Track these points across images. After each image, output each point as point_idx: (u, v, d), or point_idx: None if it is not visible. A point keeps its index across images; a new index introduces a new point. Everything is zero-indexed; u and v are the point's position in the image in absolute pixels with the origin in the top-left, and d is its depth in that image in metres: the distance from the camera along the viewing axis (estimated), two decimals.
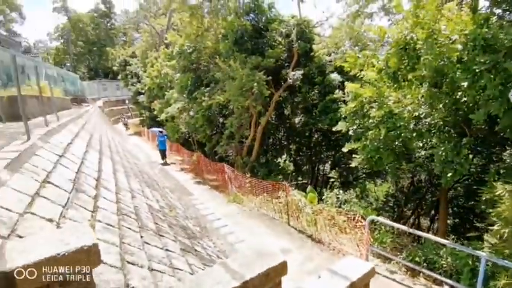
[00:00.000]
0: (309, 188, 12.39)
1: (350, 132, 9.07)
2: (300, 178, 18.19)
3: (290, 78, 14.73)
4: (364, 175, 18.99)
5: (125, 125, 35.03)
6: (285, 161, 12.78)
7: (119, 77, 37.51)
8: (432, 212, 13.89)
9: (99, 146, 6.94)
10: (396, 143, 7.82)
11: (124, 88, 39.39)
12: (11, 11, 49.93)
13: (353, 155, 8.86)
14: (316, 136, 17.89)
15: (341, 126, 9.35)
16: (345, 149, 9.03)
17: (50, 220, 2.67)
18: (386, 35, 6.16)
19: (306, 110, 16.46)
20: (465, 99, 5.15)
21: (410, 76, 5.82)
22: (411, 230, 5.68)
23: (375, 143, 8.14)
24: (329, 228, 7.78)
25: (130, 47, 42.60)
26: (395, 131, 7.87)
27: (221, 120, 17.72)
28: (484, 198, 6.72)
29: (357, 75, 8.42)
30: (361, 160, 8.43)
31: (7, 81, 8.92)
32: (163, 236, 4.36)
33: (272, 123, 18.27)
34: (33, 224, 2.45)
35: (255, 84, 13.22)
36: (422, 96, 6.37)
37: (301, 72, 14.57)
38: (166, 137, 19.62)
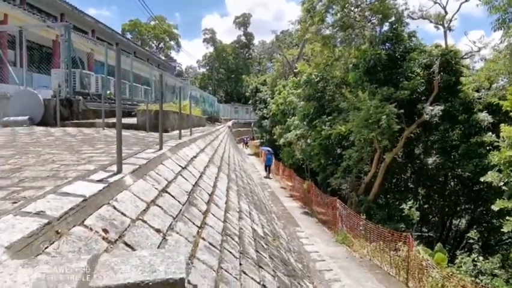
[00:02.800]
0: (438, 245, 10.29)
1: (504, 187, 7.08)
2: (425, 230, 15.53)
3: (427, 114, 12.90)
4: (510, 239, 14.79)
5: (246, 144, 37.79)
6: (410, 207, 10.97)
7: (250, 102, 40.96)
8: None
9: (219, 163, 7.30)
10: None
11: (252, 112, 42.76)
12: (170, 40, 61.31)
13: (507, 217, 6.82)
14: (453, 183, 15.03)
15: (491, 177, 7.41)
16: (495, 207, 7.07)
17: (158, 231, 2.67)
18: None
19: (444, 151, 14.05)
20: None
21: None
22: None
23: None
24: None
25: (262, 76, 46.26)
26: None
27: (339, 151, 16.85)
28: None
29: None
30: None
31: (162, 98, 10.63)
32: (262, 267, 4.04)
33: (398, 162, 16.31)
34: (141, 231, 2.47)
35: (384, 116, 12.05)
36: None
37: (441, 107, 12.59)
38: (272, 155, 22.70)
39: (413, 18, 14.64)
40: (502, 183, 7.29)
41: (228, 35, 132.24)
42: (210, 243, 3.36)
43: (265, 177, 21.15)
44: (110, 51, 10.89)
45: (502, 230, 7.71)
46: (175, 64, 47.50)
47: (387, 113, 12.15)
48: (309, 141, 18.25)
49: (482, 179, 7.95)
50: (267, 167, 22.08)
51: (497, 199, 7.17)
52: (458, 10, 14.30)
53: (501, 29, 8.73)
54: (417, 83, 13.70)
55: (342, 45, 17.04)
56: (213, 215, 4.11)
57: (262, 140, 37.02)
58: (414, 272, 7.46)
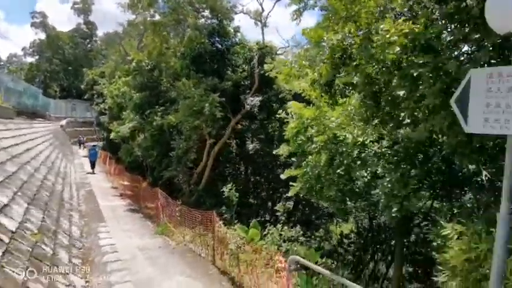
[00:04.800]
0: (253, 222, 10.98)
1: (293, 158, 7.99)
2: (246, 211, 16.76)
3: (248, 104, 13.86)
4: (326, 215, 17.88)
5: (81, 144, 33.34)
6: (230, 190, 11.40)
7: (86, 96, 35.90)
8: (389, 258, 12.69)
9: None
10: (338, 171, 6.73)
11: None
12: None
13: (290, 183, 7.70)
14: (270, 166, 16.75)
15: (282, 150, 8.27)
16: (283, 176, 7.88)
17: None
18: (321, 39, 5.28)
19: (266, 139, 15.45)
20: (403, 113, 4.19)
21: (341, 85, 4.88)
22: (334, 277, 4.39)
23: (316, 170, 7.04)
24: (250, 269, 6.34)
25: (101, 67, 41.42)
26: (338, 157, 6.85)
27: (172, 143, 16.37)
28: (435, 244, 5.63)
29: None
30: (299, 189, 7.26)
31: None
32: None
33: (231, 151, 17.10)
34: None
35: (207, 105, 12.18)
36: (353, 108, 5.43)
37: (259, 98, 13.76)
38: (96, 149, 23.39)
39: (235, 13, 15.60)
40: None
41: (67, 24, 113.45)
42: None
43: (91, 173, 20.66)
44: None
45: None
46: None
47: (211, 101, 12.35)
48: (145, 134, 17.06)
49: (274, 152, 8.85)
50: (92, 162, 21.69)
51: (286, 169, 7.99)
52: (273, 8, 16.12)
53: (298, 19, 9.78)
54: (241, 76, 14.58)
55: (174, 34, 16.67)
56: None
57: (103, 139, 33.01)
58: (220, 249, 7.52)
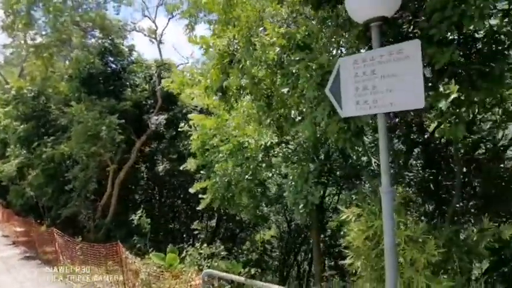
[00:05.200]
0: (169, 247, 10.30)
1: (202, 172, 7.76)
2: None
3: (152, 124, 13.18)
4: (250, 227, 17.85)
5: None
6: (140, 217, 10.52)
7: None
8: (310, 255, 13.27)
9: None
10: (246, 176, 6.76)
11: None
12: None
13: (200, 196, 7.46)
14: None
15: (190, 164, 7.98)
16: (192, 190, 7.59)
17: None
18: (209, 46, 5.30)
19: (179, 158, 14.84)
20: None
21: (233, 89, 4.94)
22: (248, 281, 4.28)
23: (225, 179, 6.94)
24: None
25: None
26: (244, 162, 6.88)
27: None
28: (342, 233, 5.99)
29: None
30: (209, 201, 7.05)
31: None
32: None
33: (142, 176, 15.96)
34: None
35: (104, 128, 11.13)
36: (245, 110, 5.58)
37: (164, 116, 13.22)
38: None
39: (127, 31, 14.90)
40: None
41: None
42: None
43: None
44: None
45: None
46: None
47: (108, 124, 11.35)
48: (36, 170, 14.71)
49: (181, 168, 8.54)
50: None
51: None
52: (167, 25, 15.91)
53: (190, 33, 9.76)
54: (142, 95, 13.85)
55: (60, 56, 15.03)
56: None
57: None
58: (129, 281, 6.76)
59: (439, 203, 7.34)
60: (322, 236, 12.09)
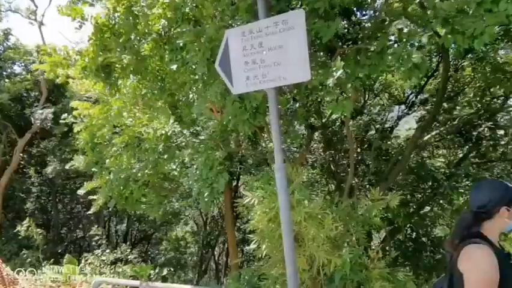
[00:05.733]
0: (66, 257, 8.98)
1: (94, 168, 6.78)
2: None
3: (36, 119, 11.22)
4: (164, 225, 16.89)
5: None
6: (28, 227, 8.90)
7: None
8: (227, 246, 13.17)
9: None
10: (146, 171, 6.11)
11: None
12: None
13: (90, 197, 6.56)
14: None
15: (77, 161, 6.92)
16: (81, 191, 6.62)
17: None
18: (84, 17, 4.49)
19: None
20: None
21: (117, 68, 4.28)
22: (144, 285, 3.79)
23: (122, 175, 6.17)
24: None
25: None
26: (142, 155, 6.22)
27: None
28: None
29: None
30: (103, 203, 6.22)
31: None
32: None
33: (32, 183, 13.61)
34: None
35: None
36: (130, 91, 4.98)
37: (51, 110, 11.38)
38: None
39: (1, 11, 12.38)
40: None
41: None
42: None
43: None
44: None
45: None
46: None
47: None
48: None
49: (67, 167, 7.45)
50: None
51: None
52: (50, 4, 13.89)
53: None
54: (23, 86, 11.69)
55: None
56: None
57: None
58: None
59: (339, 181, 7.84)
60: (238, 224, 12.06)
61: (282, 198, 2.97)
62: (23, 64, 12.98)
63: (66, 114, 6.79)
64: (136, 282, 3.67)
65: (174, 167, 6.23)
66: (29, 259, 9.45)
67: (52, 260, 9.47)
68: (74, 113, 6.51)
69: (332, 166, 8.07)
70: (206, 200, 5.72)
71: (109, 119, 5.63)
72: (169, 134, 6.25)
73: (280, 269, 4.20)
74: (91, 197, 6.57)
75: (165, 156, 6.21)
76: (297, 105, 6.62)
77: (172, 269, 10.95)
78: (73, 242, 14.32)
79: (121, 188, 6.09)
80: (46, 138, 12.71)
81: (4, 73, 11.81)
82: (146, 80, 4.26)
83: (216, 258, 15.61)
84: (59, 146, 12.44)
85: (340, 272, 3.51)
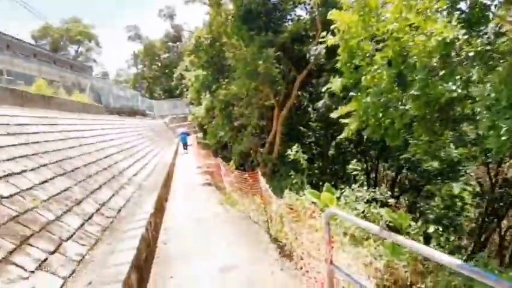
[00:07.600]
0: (326, 185, 9.36)
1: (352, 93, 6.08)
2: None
3: (311, 55, 11.95)
4: (438, 179, 14.51)
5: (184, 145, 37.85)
6: (296, 152, 9.97)
7: (177, 91, 38.55)
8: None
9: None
10: (412, 92, 4.63)
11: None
12: (89, 41, 56.90)
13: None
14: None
15: (334, 84, 6.40)
16: (334, 115, 6.08)
17: None
18: None
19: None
20: None
21: None
22: (385, 234, 2.66)
23: (381, 99, 5.07)
24: (294, 233, 4.95)
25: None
26: (409, 75, 4.74)
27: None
28: None
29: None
30: (354, 128, 5.39)
31: None
32: None
33: (304, 112, 15.42)
34: None
35: (260, 62, 10.87)
36: None
37: (323, 46, 11.65)
38: (187, 135, 26.96)
39: None
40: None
41: (154, 30, 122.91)
42: None
43: (185, 153, 24.26)
44: None
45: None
46: (91, 64, 44.12)
47: (265, 58, 10.98)
48: (216, 112, 16.82)
49: (323, 89, 7.01)
50: (184, 145, 25.22)
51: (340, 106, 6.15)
52: None
53: None
54: (300, 25, 12.71)
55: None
56: None
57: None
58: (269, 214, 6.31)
59: None
60: None
61: None
62: (303, 6, 14.01)
63: (324, 33, 6.34)
64: (375, 227, 2.65)
65: (454, 87, 4.33)
66: (295, 180, 10.70)
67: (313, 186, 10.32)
68: (332, 27, 5.93)
69: None
70: (502, 138, 3.62)
71: (365, 20, 4.53)
72: (448, 40, 4.36)
73: None
74: (342, 120, 6.00)
75: (441, 73, 4.45)
76: None
77: (440, 229, 9.10)
78: (336, 174, 15.28)
79: (379, 114, 5.05)
80: (318, 74, 13.55)
81: (286, 15, 13.20)
82: None
83: (502, 232, 11.88)
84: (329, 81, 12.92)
85: None
